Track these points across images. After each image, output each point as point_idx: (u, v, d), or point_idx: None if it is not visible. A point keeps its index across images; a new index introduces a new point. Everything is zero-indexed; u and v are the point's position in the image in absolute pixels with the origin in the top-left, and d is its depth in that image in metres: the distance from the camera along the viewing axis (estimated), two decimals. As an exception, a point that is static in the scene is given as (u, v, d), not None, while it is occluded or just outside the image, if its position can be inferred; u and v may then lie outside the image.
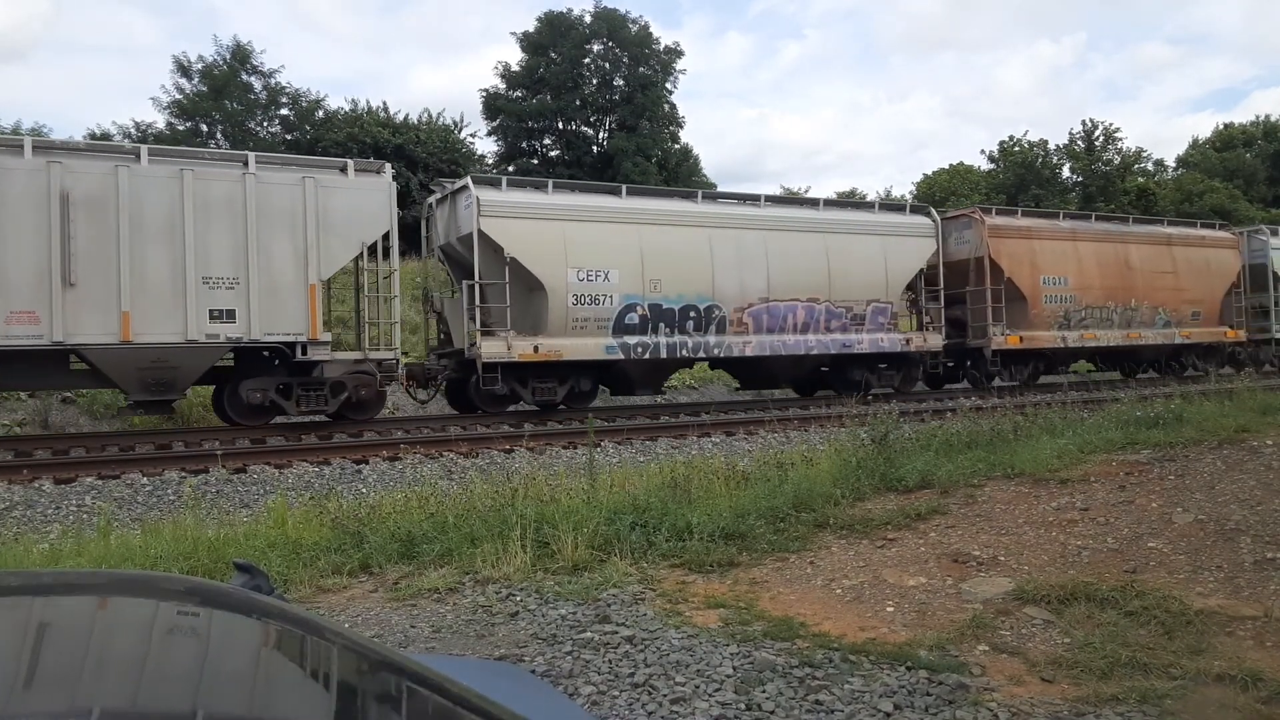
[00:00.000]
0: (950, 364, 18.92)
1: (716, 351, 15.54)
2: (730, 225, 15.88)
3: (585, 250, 14.33)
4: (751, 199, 17.09)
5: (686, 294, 15.22)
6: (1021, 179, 46.27)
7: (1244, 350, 23.03)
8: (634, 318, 14.71)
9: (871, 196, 40.55)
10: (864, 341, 16.95)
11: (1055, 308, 19.45)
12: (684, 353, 15.23)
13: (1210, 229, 23.28)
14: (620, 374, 15.44)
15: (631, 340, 14.63)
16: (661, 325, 14.93)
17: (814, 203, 18.03)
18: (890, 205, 19.96)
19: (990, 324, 18.34)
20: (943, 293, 18.33)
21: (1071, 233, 20.23)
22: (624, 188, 15.70)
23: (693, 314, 15.28)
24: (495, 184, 14.64)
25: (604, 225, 14.63)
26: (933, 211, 18.91)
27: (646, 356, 14.80)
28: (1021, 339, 18.71)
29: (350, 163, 13.26)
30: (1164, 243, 21.48)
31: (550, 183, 15.36)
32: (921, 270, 18.00)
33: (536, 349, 13.94)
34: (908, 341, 17.51)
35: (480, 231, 13.70)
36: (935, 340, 17.91)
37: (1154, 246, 21.27)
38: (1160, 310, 21.05)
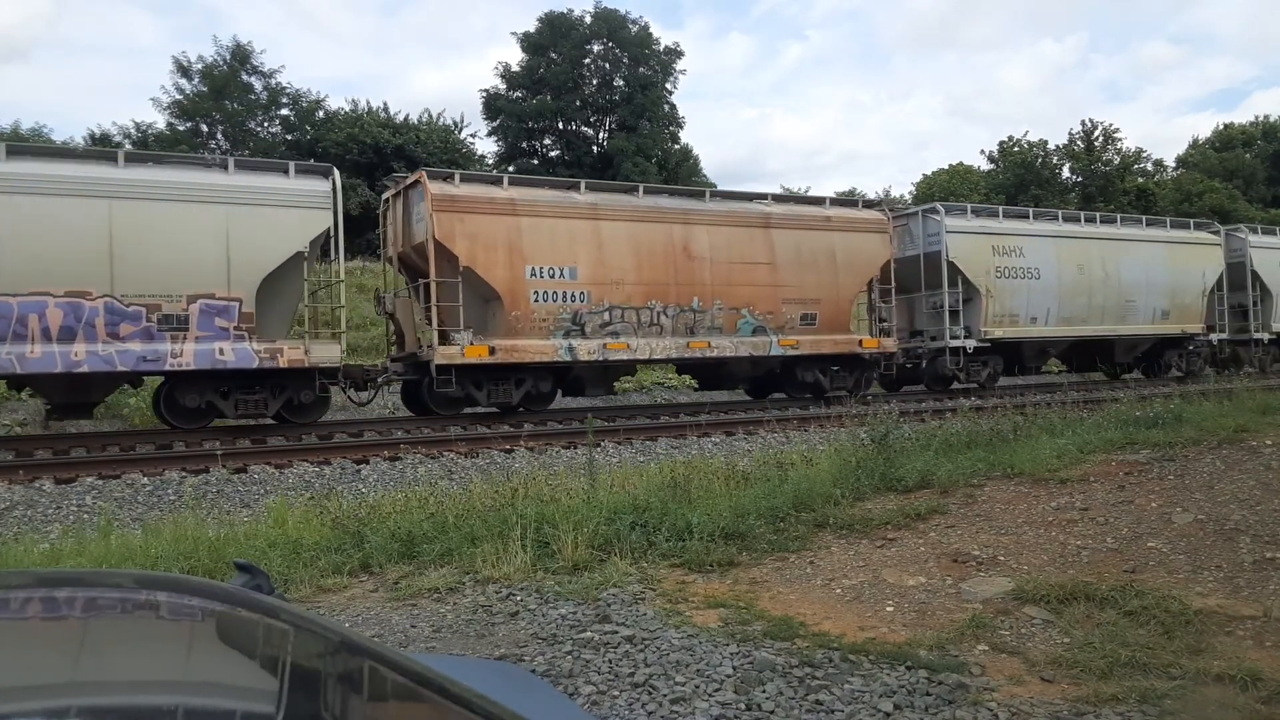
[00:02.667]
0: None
1: None
2: None
3: None
4: None
5: None
6: (1021, 179, 46.28)
7: (892, 362, 18.04)
8: None
9: (871, 197, 40.36)
10: (185, 354, 11.81)
11: (554, 308, 14.18)
12: None
13: (850, 207, 18.38)
14: None
15: None
16: None
17: (110, 156, 12.45)
18: (254, 164, 13.43)
19: (436, 328, 13.45)
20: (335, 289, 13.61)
21: (591, 209, 14.72)
22: None
23: None
24: None
25: None
26: (335, 174, 13.23)
27: None
28: (494, 350, 13.55)
29: None
30: (757, 224, 16.16)
31: None
32: (302, 254, 12.72)
33: None
34: (273, 354, 12.29)
35: None
36: (326, 352, 12.84)
37: (737, 229, 15.95)
38: (747, 312, 15.76)
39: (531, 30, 40.12)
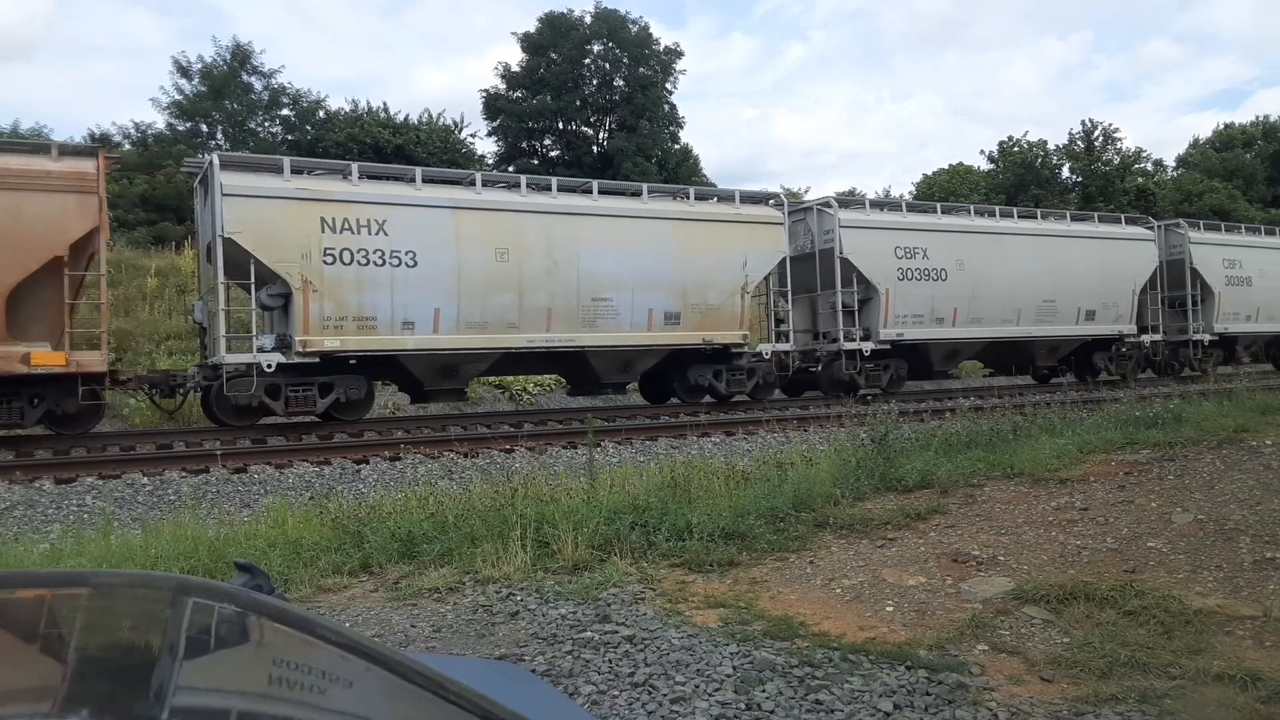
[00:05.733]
0: None
1: None
2: None
3: None
4: None
5: None
6: (1021, 179, 46.26)
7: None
8: None
9: (872, 196, 40.31)
10: None
11: None
12: None
13: (19, 153, 11.64)
14: None
15: None
16: None
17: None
18: None
19: None
20: None
21: None
22: None
23: None
24: None
25: None
26: None
27: None
28: None
29: None
30: None
31: None
32: None
33: None
34: None
35: None
36: None
37: None
38: None
39: (532, 30, 40.19)
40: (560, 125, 40.91)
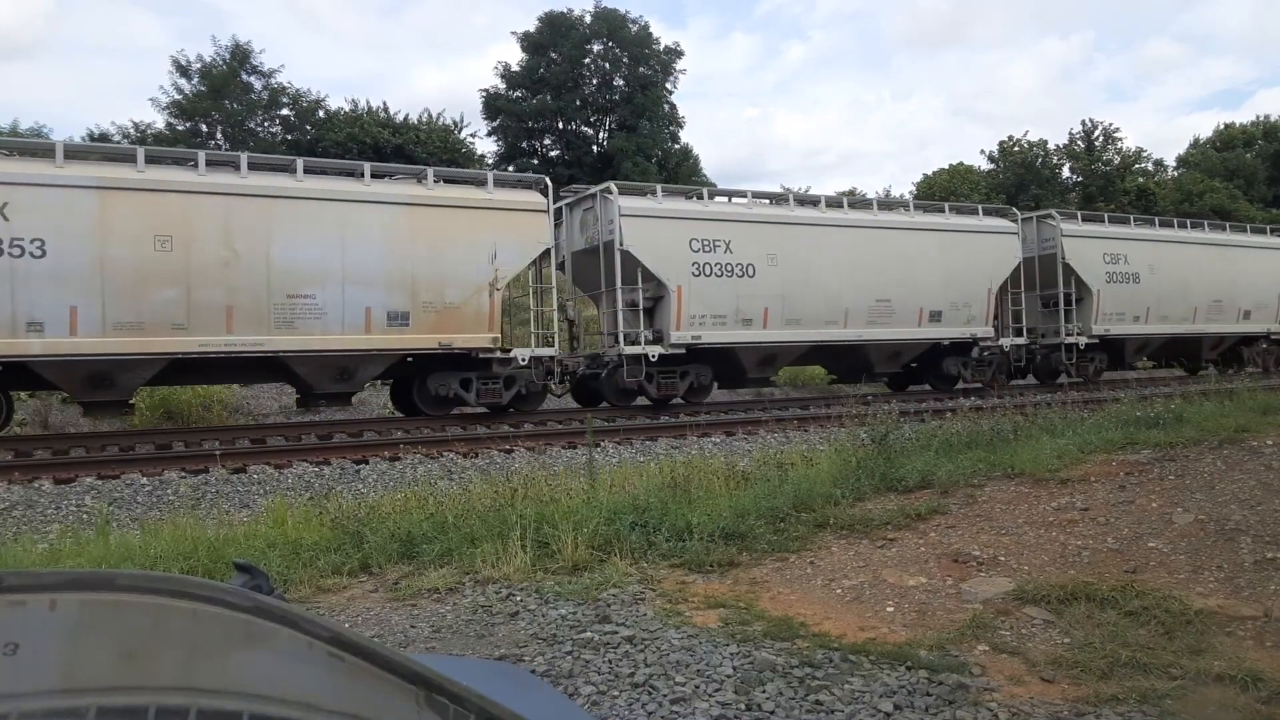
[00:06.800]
0: None
1: None
2: None
3: None
4: None
5: None
6: (1021, 179, 46.29)
7: None
8: None
9: (871, 196, 40.26)
10: None
11: None
12: None
13: None
14: None
15: None
16: None
17: None
18: None
19: None
20: None
21: None
22: None
23: None
24: None
25: None
26: None
27: None
28: None
29: None
30: None
31: None
32: None
33: None
34: None
35: None
36: None
37: None
38: None
39: (532, 30, 40.30)
40: (560, 125, 41.03)
